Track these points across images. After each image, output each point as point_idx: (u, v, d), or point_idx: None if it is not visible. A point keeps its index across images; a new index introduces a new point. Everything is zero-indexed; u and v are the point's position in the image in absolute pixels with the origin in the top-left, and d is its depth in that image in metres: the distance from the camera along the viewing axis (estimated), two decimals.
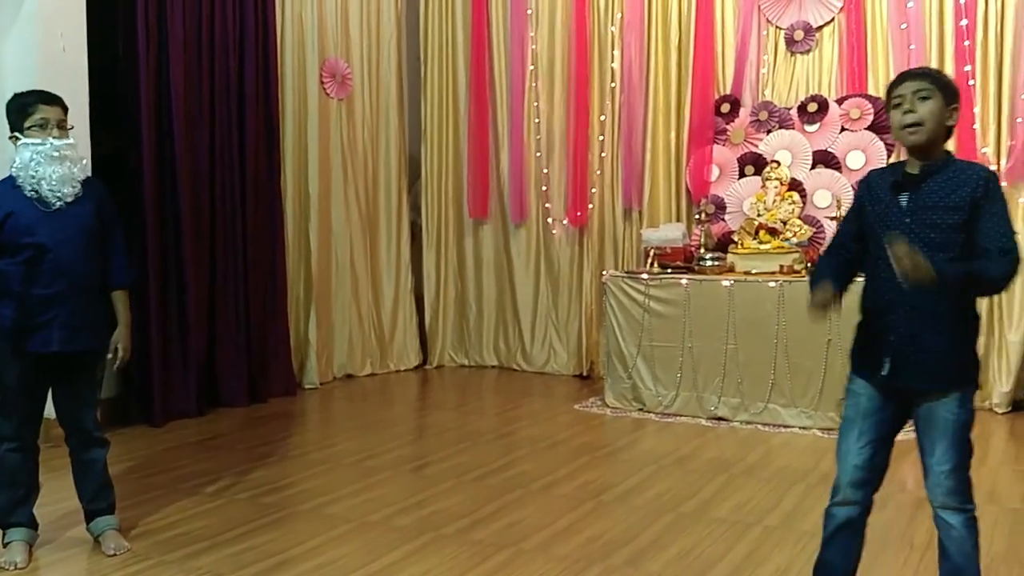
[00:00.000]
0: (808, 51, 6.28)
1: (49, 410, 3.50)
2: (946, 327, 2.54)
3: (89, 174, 3.55)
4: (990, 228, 2.48)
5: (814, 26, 6.24)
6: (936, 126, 2.53)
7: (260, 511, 4.00)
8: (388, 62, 7.35)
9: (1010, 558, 3.44)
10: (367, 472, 4.60)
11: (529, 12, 7.16)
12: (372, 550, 3.53)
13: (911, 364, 2.55)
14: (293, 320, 6.66)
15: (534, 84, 7.18)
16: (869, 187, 2.70)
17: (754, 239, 5.91)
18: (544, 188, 7.19)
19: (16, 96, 3.44)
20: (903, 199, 2.56)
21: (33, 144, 3.34)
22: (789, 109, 6.25)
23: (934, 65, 5.83)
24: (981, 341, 5.68)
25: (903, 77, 2.60)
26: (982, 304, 5.73)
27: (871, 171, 2.79)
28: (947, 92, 2.56)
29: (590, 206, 7.01)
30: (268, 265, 6.35)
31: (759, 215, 5.97)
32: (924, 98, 2.53)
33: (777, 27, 6.37)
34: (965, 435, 2.56)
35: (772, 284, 5.45)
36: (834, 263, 2.75)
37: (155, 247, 5.64)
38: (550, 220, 7.20)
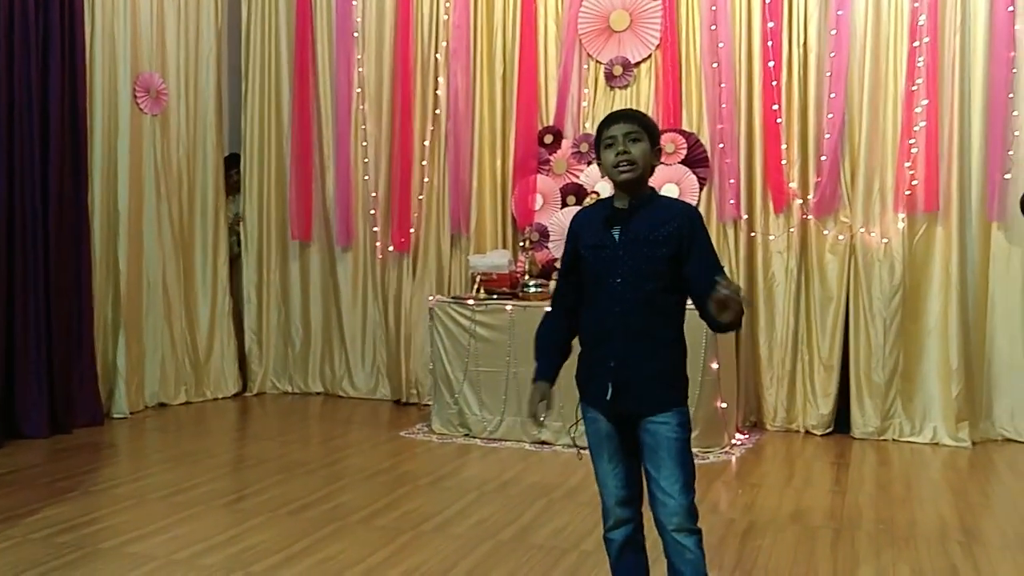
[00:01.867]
0: (627, 86, 6.49)
1: None
2: (661, 351, 2.72)
3: None
4: (707, 263, 2.69)
5: (632, 62, 6.45)
6: (646, 165, 2.74)
7: (55, 551, 3.74)
8: (207, 78, 7.11)
9: (809, 574, 3.61)
10: (177, 507, 4.38)
11: (356, 34, 7.09)
12: None
13: (631, 387, 2.69)
14: (100, 344, 6.29)
15: (361, 107, 7.11)
16: (579, 228, 2.84)
17: None
18: (372, 212, 7.11)
19: None
20: (615, 232, 2.72)
21: None
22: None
23: (743, 103, 6.16)
24: (788, 365, 6.08)
25: (613, 119, 2.78)
26: (791, 324, 6.08)
27: (577, 213, 2.96)
28: (652, 135, 2.77)
29: (411, 231, 6.97)
30: (73, 285, 5.99)
31: None
32: (635, 140, 2.72)
33: (598, 62, 6.56)
34: (688, 454, 2.72)
35: None
36: (557, 337, 2.88)
37: None
38: (378, 244, 7.12)
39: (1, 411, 5.54)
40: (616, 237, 2.71)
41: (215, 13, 7.16)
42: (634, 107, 6.38)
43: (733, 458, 5.39)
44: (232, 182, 7.47)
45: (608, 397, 2.71)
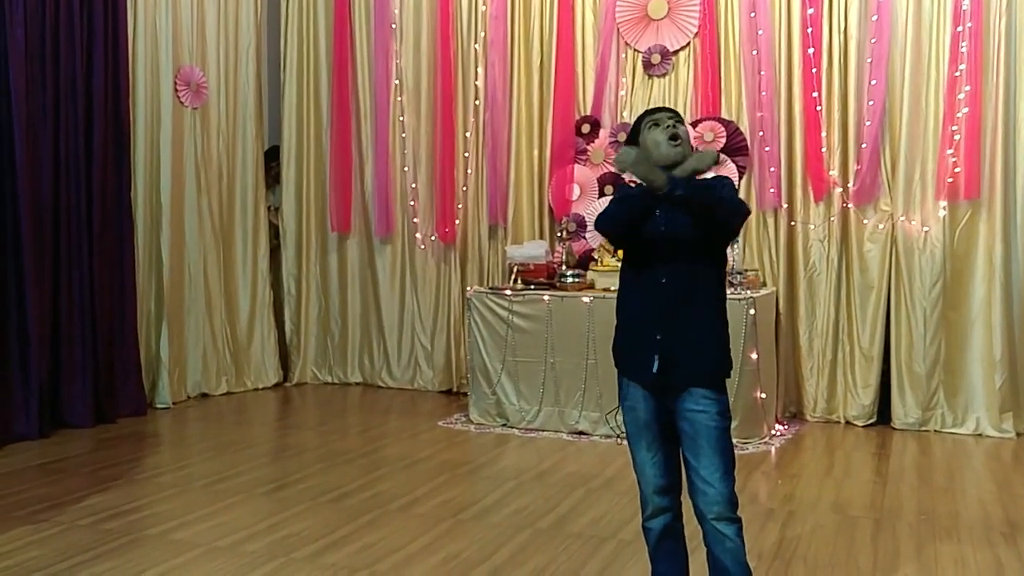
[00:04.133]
0: (665, 74, 6.45)
1: None
2: (706, 323, 2.76)
3: None
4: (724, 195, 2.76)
5: (671, 50, 6.41)
6: (687, 148, 2.83)
7: (102, 538, 3.81)
8: (246, 71, 7.18)
9: (849, 564, 3.59)
10: (219, 495, 4.44)
11: (393, 26, 7.12)
12: None
13: (678, 359, 2.71)
14: (143, 336, 6.40)
15: (399, 98, 7.14)
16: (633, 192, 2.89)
17: (613, 257, 6.02)
18: (412, 203, 7.15)
19: None
20: (657, 211, 2.76)
21: None
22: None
23: (783, 90, 6.10)
24: (829, 355, 6.03)
25: (654, 109, 2.93)
26: (832, 314, 6.02)
27: (623, 187, 3.02)
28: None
29: (457, 222, 7.01)
30: (117, 278, 6.09)
31: None
32: (679, 122, 2.86)
33: (635, 50, 6.53)
34: (728, 442, 2.72)
35: None
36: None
37: None
38: (418, 235, 7.15)
39: (48, 401, 5.65)
40: (658, 213, 2.75)
41: (254, 6, 7.22)
42: (673, 95, 6.43)
43: (772, 448, 5.35)
44: (273, 174, 7.54)
45: (655, 370, 2.70)
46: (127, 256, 6.17)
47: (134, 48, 6.31)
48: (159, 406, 6.41)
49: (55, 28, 5.72)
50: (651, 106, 3.32)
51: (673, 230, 2.73)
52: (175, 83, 6.58)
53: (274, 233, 7.54)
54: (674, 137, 2.79)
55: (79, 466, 4.99)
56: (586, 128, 6.61)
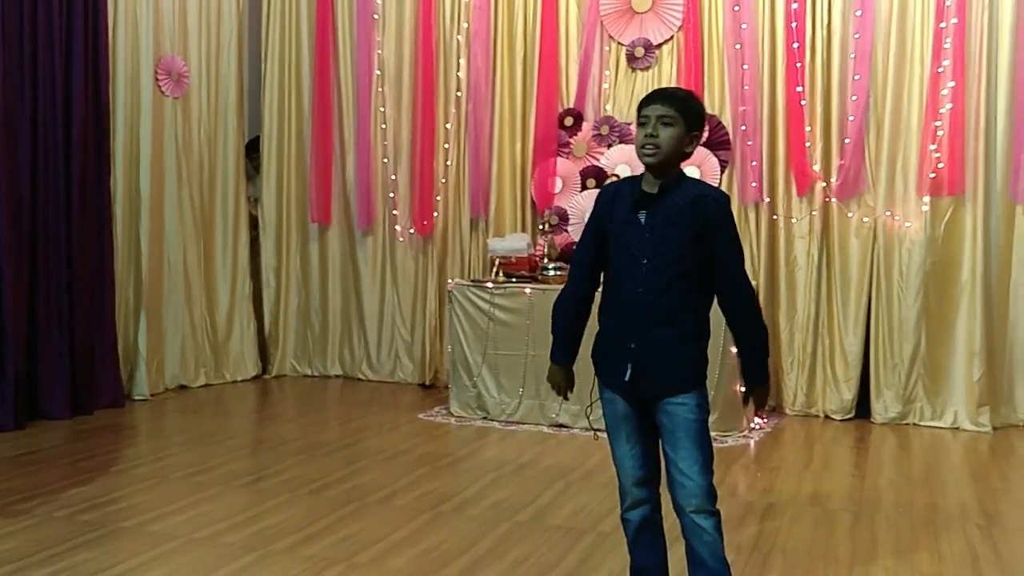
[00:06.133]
0: (648, 68, 6.45)
1: None
2: (683, 336, 2.71)
3: None
4: (728, 256, 2.69)
5: (654, 43, 6.41)
6: (672, 151, 2.68)
7: (78, 530, 3.77)
8: (228, 61, 7.11)
9: (828, 556, 3.60)
10: (197, 487, 4.41)
11: (376, 17, 7.08)
12: (197, 569, 3.38)
13: (650, 370, 2.68)
14: (122, 327, 6.33)
15: (380, 89, 7.10)
16: (610, 202, 2.81)
17: None
18: (392, 195, 7.12)
19: None
20: (642, 216, 2.70)
21: None
22: (629, 124, 6.40)
23: (766, 85, 6.11)
24: (809, 349, 6.05)
25: (652, 98, 2.73)
26: (812, 309, 6.04)
27: (608, 184, 2.96)
28: (691, 120, 2.70)
29: (435, 214, 6.98)
30: (95, 268, 6.02)
31: None
32: (667, 124, 2.67)
33: (619, 43, 6.52)
34: (706, 435, 2.71)
35: None
36: (572, 316, 2.90)
37: None
38: (397, 228, 7.12)
39: (24, 392, 5.59)
40: (642, 220, 2.69)
41: None
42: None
43: (751, 442, 5.37)
44: (253, 165, 7.49)
45: (627, 379, 2.70)
46: (106, 246, 6.11)
47: (114, 37, 6.23)
48: (137, 398, 6.35)
49: (33, 16, 5.64)
50: (639, 98, 3.20)
51: (655, 242, 2.67)
52: (156, 72, 6.51)
53: (253, 224, 7.48)
54: (651, 141, 2.66)
55: (56, 457, 4.94)
56: (569, 121, 6.60)
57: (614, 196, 2.82)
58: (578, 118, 6.59)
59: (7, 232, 5.45)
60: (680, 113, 2.68)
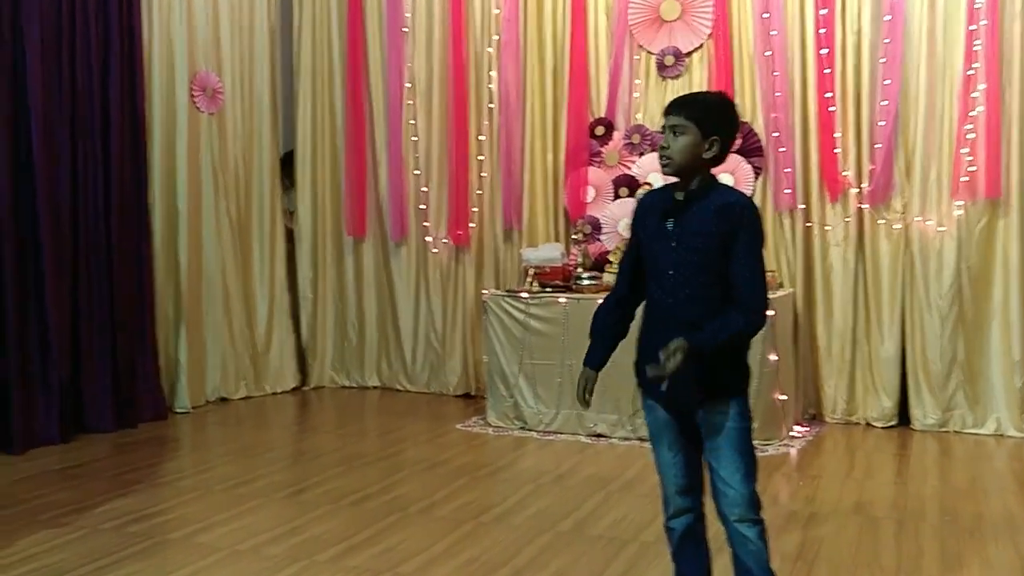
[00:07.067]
0: (678, 76, 6.44)
1: None
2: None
3: None
4: (741, 272, 2.61)
5: (684, 52, 6.41)
6: (686, 160, 2.65)
7: (125, 541, 3.83)
8: (261, 76, 7.20)
9: (873, 565, 3.58)
10: (240, 499, 4.46)
11: (405, 30, 7.13)
12: None
13: (687, 380, 2.60)
14: (162, 341, 6.43)
15: (411, 102, 7.15)
16: (643, 213, 2.82)
17: None
18: (423, 206, 7.16)
19: None
20: (670, 224, 2.69)
21: None
22: (661, 132, 6.39)
23: (796, 91, 6.08)
24: (848, 356, 6.00)
25: (668, 107, 2.73)
26: (849, 315, 6.00)
27: (645, 195, 2.95)
28: (706, 125, 2.64)
29: (471, 225, 7.02)
30: (135, 283, 6.12)
31: None
32: (679, 133, 2.65)
33: (649, 52, 6.52)
34: (748, 443, 2.69)
35: None
36: (607, 320, 2.91)
37: (11, 263, 5.38)
38: (429, 239, 7.16)
39: (69, 406, 5.68)
40: (670, 228, 2.68)
41: (267, 12, 7.25)
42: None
43: (792, 450, 5.34)
44: (288, 179, 7.56)
45: (663, 389, 2.68)
46: (145, 260, 6.21)
47: (150, 54, 6.35)
48: (179, 410, 6.43)
49: (71, 35, 5.76)
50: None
51: (681, 251, 2.64)
52: (191, 88, 6.61)
53: (289, 237, 7.56)
54: (663, 152, 2.66)
55: (101, 470, 5.02)
56: (600, 130, 6.61)
57: (648, 207, 2.82)
58: (609, 127, 6.60)
59: (49, 248, 5.55)
60: (691, 120, 2.64)
